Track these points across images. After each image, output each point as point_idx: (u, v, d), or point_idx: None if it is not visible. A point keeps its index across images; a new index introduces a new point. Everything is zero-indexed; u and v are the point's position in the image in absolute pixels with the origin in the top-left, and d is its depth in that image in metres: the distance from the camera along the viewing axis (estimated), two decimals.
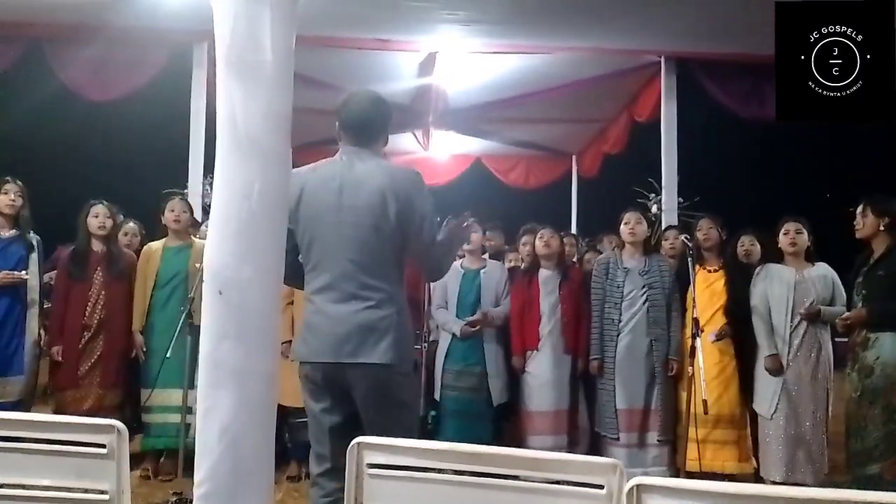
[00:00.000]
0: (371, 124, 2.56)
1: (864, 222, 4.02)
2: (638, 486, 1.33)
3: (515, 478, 1.52)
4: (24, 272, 4.17)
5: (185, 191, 5.53)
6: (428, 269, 2.68)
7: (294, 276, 2.46)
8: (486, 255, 4.87)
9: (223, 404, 1.51)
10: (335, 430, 2.37)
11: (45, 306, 4.43)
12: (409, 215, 2.43)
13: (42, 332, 4.42)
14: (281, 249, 1.64)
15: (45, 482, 1.46)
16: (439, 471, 1.42)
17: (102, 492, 1.47)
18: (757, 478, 4.22)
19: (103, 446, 1.44)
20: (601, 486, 1.39)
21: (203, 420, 1.54)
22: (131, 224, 5.04)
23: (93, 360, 4.31)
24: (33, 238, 4.32)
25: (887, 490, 3.22)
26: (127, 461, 1.44)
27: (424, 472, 1.41)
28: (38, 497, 1.48)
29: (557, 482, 1.49)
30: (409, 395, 2.62)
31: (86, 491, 1.49)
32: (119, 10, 4.92)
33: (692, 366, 3.81)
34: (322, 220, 2.41)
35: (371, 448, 1.44)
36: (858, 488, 3.58)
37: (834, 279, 4.28)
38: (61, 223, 5.97)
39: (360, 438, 1.47)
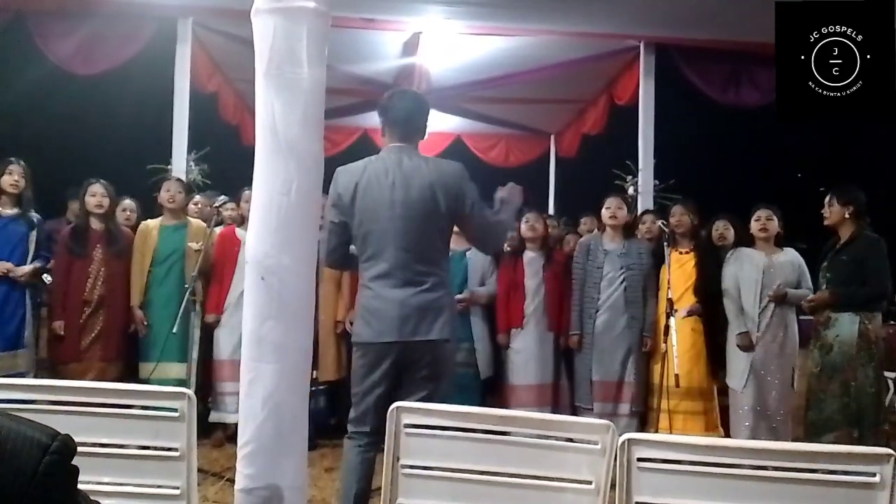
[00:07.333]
0: (417, 121, 2.81)
1: (831, 211, 4.25)
2: (628, 440, 1.59)
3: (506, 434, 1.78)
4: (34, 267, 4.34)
5: (169, 166, 5.59)
6: (489, 242, 3.05)
7: (346, 263, 2.83)
8: None
9: (266, 375, 1.73)
10: (380, 399, 2.62)
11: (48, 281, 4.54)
12: (460, 203, 2.72)
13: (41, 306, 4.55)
14: (314, 240, 1.83)
15: (127, 441, 1.67)
16: (463, 430, 1.66)
17: (174, 449, 1.68)
18: None
19: (175, 410, 1.65)
20: (596, 443, 1.63)
21: (248, 389, 1.76)
22: (128, 201, 5.08)
23: (94, 335, 4.43)
24: (34, 216, 4.42)
25: None
26: (195, 423, 1.65)
27: (452, 430, 1.65)
28: (121, 454, 1.69)
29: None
30: (452, 359, 2.96)
31: (160, 449, 1.70)
32: None
33: (666, 342, 4.01)
34: (377, 214, 2.64)
35: (407, 411, 1.66)
36: None
37: (800, 264, 4.49)
38: (49, 198, 6.00)
39: (398, 403, 1.70)
